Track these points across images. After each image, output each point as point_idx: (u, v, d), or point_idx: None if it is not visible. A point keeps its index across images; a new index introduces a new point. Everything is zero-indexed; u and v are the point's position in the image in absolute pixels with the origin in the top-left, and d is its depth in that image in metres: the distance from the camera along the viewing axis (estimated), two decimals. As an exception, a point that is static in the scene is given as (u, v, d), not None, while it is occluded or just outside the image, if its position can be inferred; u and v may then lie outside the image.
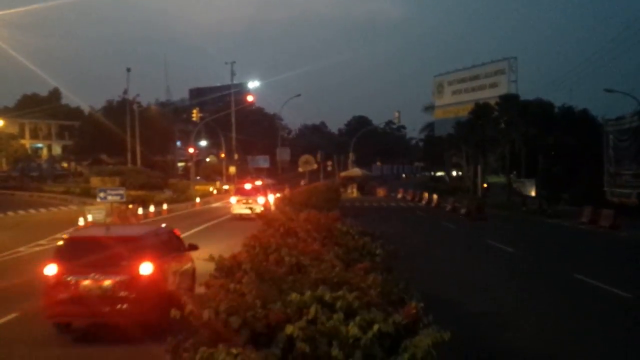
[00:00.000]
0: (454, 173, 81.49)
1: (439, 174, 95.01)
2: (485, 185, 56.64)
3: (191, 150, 60.31)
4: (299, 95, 77.14)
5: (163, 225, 14.14)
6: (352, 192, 62.50)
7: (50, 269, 9.41)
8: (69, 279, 9.24)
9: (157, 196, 40.42)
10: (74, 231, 16.24)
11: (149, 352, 7.92)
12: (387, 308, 4.54)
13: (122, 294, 9.14)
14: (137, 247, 9.71)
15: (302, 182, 56.34)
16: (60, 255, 9.69)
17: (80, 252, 9.56)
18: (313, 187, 33.76)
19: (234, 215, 31.33)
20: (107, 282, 9.15)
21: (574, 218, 33.05)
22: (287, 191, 33.18)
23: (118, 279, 9.16)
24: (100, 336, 9.58)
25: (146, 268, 9.31)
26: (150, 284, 9.29)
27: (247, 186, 35.45)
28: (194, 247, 11.51)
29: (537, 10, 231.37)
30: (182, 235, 13.98)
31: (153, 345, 4.11)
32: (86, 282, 9.17)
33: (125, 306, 9.12)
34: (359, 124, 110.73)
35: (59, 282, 9.27)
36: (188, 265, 11.22)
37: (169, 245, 10.85)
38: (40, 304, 9.59)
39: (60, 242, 10.26)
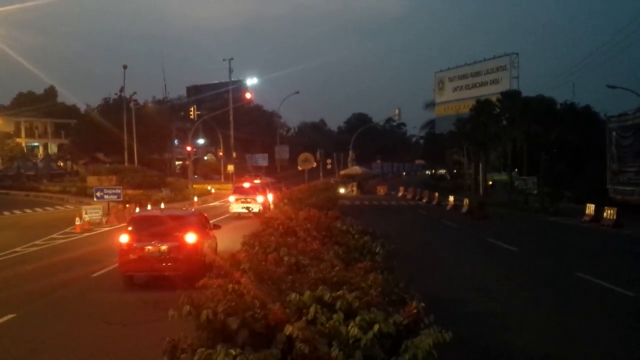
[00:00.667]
0: (455, 171, 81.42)
1: (440, 171, 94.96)
2: (490, 182, 56.61)
3: (189, 148, 60.24)
4: (297, 92, 76.75)
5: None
6: (352, 190, 62.40)
7: (124, 238, 13.27)
8: (136, 245, 13.04)
9: (154, 195, 40.31)
10: (140, 211, 23.02)
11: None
12: (388, 308, 4.51)
13: (174, 255, 12.89)
14: (183, 223, 13.77)
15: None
16: (130, 228, 13.52)
17: (145, 226, 13.65)
18: (313, 185, 33.76)
19: (232, 214, 31.56)
20: (164, 247, 12.98)
21: (577, 216, 32.99)
22: (284, 190, 33.13)
23: (171, 244, 12.99)
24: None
25: (190, 238, 13.24)
26: (192, 248, 13.11)
27: (246, 185, 35.45)
28: (217, 227, 15.81)
29: (538, 6, 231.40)
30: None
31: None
32: (149, 247, 12.99)
33: (175, 264, 12.86)
34: (359, 121, 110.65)
35: (129, 248, 13.08)
36: (212, 240, 15.00)
37: (202, 224, 14.62)
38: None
39: (129, 224, 13.96)
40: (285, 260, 6.07)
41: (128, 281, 13.39)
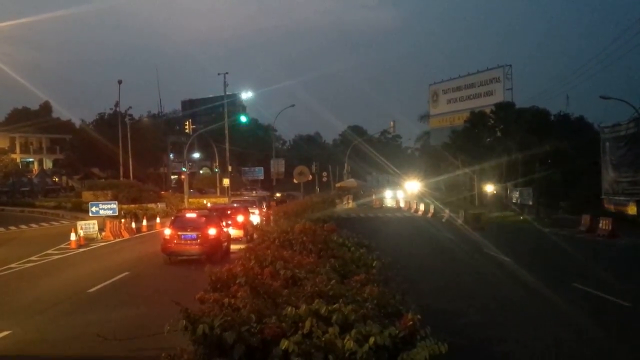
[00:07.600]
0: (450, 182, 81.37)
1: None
2: (493, 192, 56.67)
3: (184, 167, 60.20)
4: (292, 105, 76.72)
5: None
6: (348, 203, 62.42)
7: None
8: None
9: (150, 210, 40.21)
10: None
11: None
12: (384, 320, 4.50)
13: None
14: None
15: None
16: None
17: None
18: (309, 199, 33.56)
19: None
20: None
21: (572, 226, 33.03)
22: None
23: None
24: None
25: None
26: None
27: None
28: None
29: (532, 18, 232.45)
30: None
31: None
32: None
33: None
34: (354, 134, 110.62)
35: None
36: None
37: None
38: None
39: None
40: (281, 274, 6.06)
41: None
